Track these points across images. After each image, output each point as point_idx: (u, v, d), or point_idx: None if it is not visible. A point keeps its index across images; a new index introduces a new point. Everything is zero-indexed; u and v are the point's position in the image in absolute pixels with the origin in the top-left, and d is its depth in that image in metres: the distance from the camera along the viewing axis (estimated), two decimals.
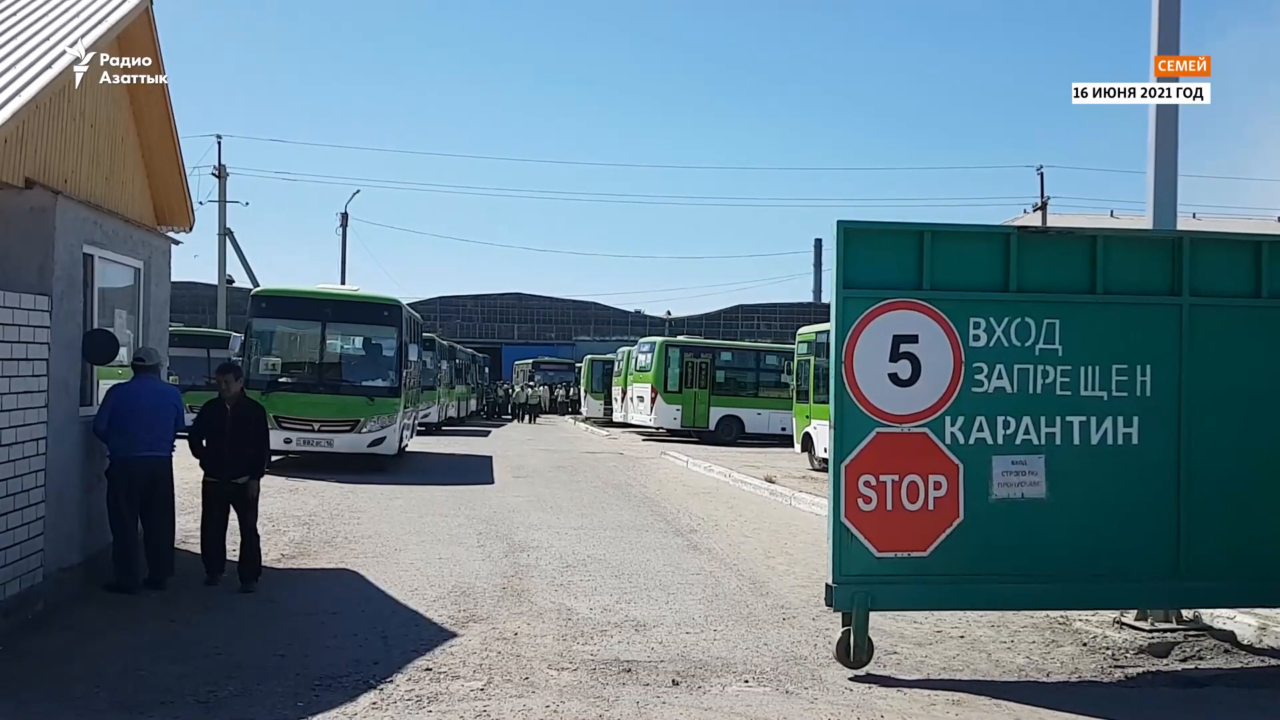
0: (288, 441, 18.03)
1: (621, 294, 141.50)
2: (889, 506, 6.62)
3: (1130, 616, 7.91)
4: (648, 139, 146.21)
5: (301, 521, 12.53)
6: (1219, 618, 7.93)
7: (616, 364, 38.00)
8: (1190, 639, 7.56)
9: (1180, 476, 6.94)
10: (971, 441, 6.73)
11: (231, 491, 8.89)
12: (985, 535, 6.73)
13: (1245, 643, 7.61)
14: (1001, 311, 6.80)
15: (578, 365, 50.17)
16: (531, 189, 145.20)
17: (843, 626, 6.67)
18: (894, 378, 6.65)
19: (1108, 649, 7.48)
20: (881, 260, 6.77)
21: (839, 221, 6.69)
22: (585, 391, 44.37)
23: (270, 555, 10.31)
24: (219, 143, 41.26)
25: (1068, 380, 6.85)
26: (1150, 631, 7.68)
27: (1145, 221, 8.75)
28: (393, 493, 15.82)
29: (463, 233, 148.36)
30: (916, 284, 6.75)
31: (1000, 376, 6.78)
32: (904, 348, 6.66)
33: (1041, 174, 42.80)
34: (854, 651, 6.59)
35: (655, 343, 33.33)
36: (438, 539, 11.67)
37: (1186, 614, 7.89)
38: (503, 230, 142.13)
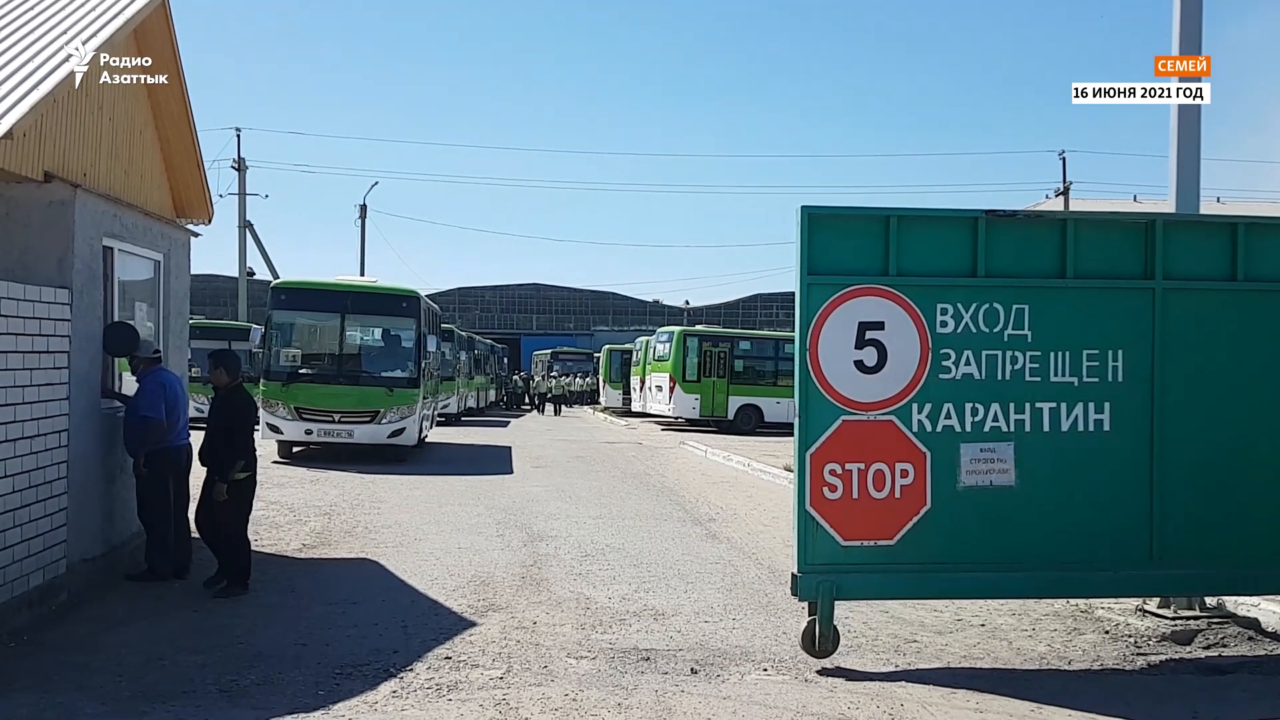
0: (308, 432, 18.15)
1: (639, 284, 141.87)
2: (855, 495, 6.54)
3: (1153, 604, 7.84)
4: (665, 128, 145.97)
5: (322, 511, 12.59)
6: (1243, 605, 7.85)
7: (635, 354, 37.95)
8: (1214, 626, 7.48)
9: (1153, 463, 6.84)
10: (939, 429, 6.64)
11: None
12: (953, 523, 6.65)
13: (1269, 630, 7.54)
14: (969, 297, 6.69)
15: (596, 355, 50.16)
16: (550, 179, 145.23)
17: (808, 616, 6.60)
18: (860, 365, 6.57)
19: (1130, 637, 7.42)
20: (847, 246, 6.66)
21: (802, 207, 6.58)
22: (604, 381, 44.36)
23: (291, 545, 10.40)
24: (238, 135, 41.49)
25: (1037, 366, 6.74)
26: (1173, 619, 7.61)
27: (1169, 207, 8.65)
28: (413, 483, 15.87)
29: (481, 224, 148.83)
30: (883, 270, 6.64)
31: (968, 363, 6.68)
32: (870, 334, 6.57)
33: (1064, 159, 42.39)
34: (819, 641, 6.52)
35: (673, 332, 33.24)
36: (457, 529, 11.70)
37: (1210, 601, 7.81)
38: (521, 221, 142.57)
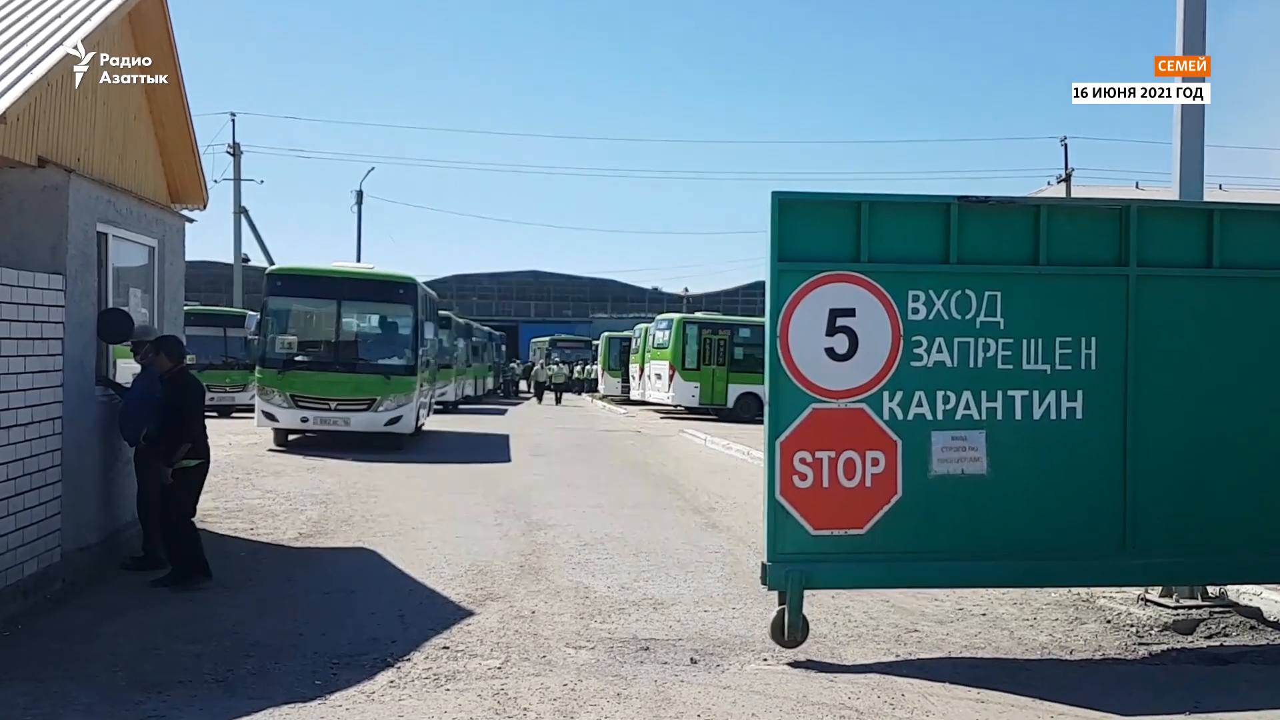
0: (304, 420, 18.13)
1: (639, 271, 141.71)
2: (825, 483, 6.47)
3: (1155, 593, 7.80)
4: (666, 115, 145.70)
5: (319, 500, 12.54)
6: (1245, 594, 7.83)
7: (634, 341, 37.88)
8: (1215, 616, 7.45)
9: (1126, 451, 6.77)
10: (910, 417, 6.57)
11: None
12: (924, 512, 6.58)
13: (1271, 619, 7.51)
14: (941, 284, 6.61)
15: (595, 343, 50.05)
16: (549, 166, 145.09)
17: (778, 605, 6.54)
18: (830, 352, 6.49)
19: (1131, 626, 7.39)
20: (818, 232, 6.58)
21: (774, 193, 6.50)
22: (603, 369, 44.25)
23: (288, 534, 10.36)
24: (233, 120, 41.43)
25: (1009, 354, 6.66)
26: (1175, 608, 7.57)
27: (1171, 194, 8.60)
28: (410, 471, 15.83)
29: (479, 210, 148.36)
30: (854, 256, 6.56)
31: (940, 350, 6.61)
32: (841, 321, 6.49)
33: (1066, 146, 42.31)
34: (788, 630, 6.46)
35: (673, 320, 33.17)
36: (455, 518, 11.66)
37: (1212, 590, 7.77)
38: (520, 208, 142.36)
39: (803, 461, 6.47)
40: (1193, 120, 8.50)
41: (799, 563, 6.46)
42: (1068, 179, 41.00)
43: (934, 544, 6.66)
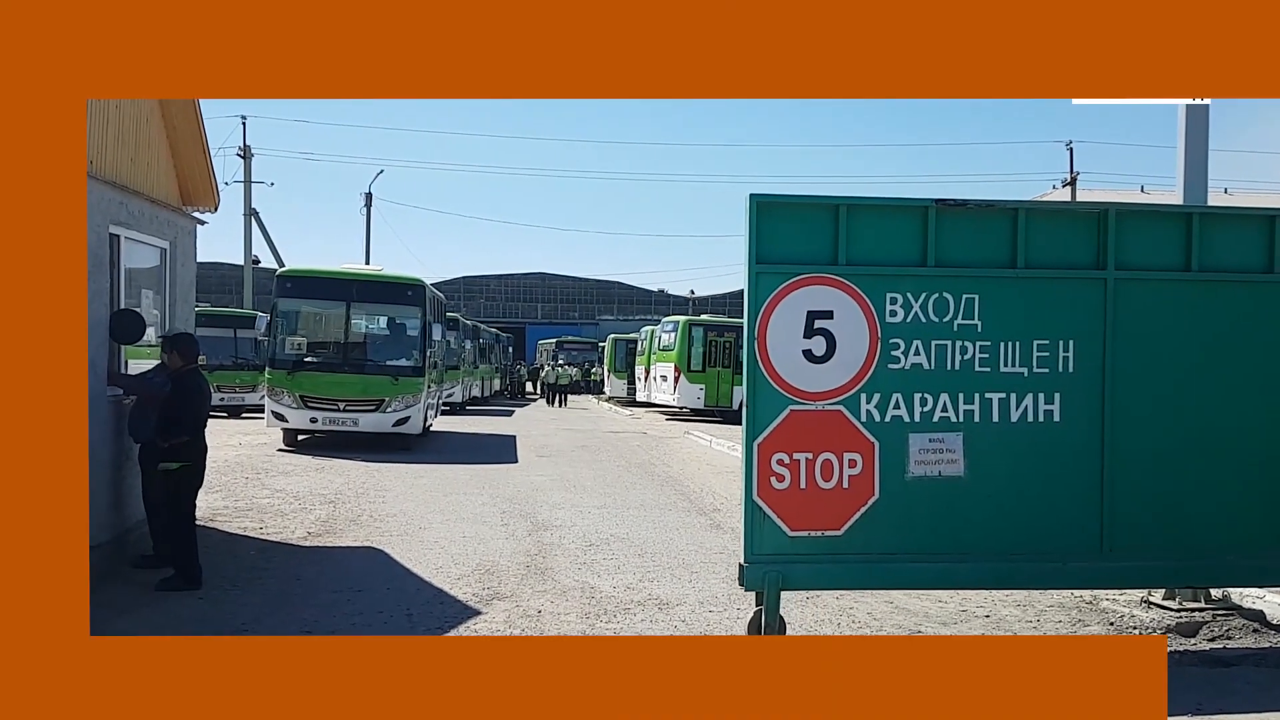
0: (313, 421, 18.20)
1: (645, 273, 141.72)
2: (803, 485, 6.49)
3: (1158, 595, 7.83)
4: (671, 117, 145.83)
5: (327, 500, 12.61)
6: (1248, 597, 7.84)
7: (640, 343, 37.91)
8: (1219, 618, 7.47)
9: (1104, 454, 6.77)
10: (887, 419, 6.57)
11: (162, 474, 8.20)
12: (902, 514, 6.59)
13: (1275, 622, 7.53)
14: (919, 287, 6.62)
15: (601, 345, 50.08)
16: (556, 168, 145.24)
17: (755, 606, 6.56)
18: (808, 354, 6.51)
19: (1135, 629, 7.42)
20: (796, 235, 6.59)
21: (751, 195, 6.52)
22: (609, 371, 44.26)
23: (297, 533, 10.42)
24: (244, 123, 41.46)
25: (987, 356, 6.67)
26: (1178, 611, 7.60)
27: (1176, 197, 8.62)
28: (417, 471, 15.90)
29: (486, 212, 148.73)
30: (832, 259, 6.57)
31: (917, 353, 6.61)
32: (818, 324, 6.50)
33: (1071, 149, 42.26)
34: (764, 631, 6.48)
35: (678, 322, 33.18)
36: (462, 517, 11.72)
37: (1215, 593, 7.79)
38: (527, 210, 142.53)
39: (780, 463, 6.50)
40: (1197, 123, 8.51)
41: (776, 564, 6.49)
42: (1073, 182, 40.93)
43: (911, 545, 6.66)
